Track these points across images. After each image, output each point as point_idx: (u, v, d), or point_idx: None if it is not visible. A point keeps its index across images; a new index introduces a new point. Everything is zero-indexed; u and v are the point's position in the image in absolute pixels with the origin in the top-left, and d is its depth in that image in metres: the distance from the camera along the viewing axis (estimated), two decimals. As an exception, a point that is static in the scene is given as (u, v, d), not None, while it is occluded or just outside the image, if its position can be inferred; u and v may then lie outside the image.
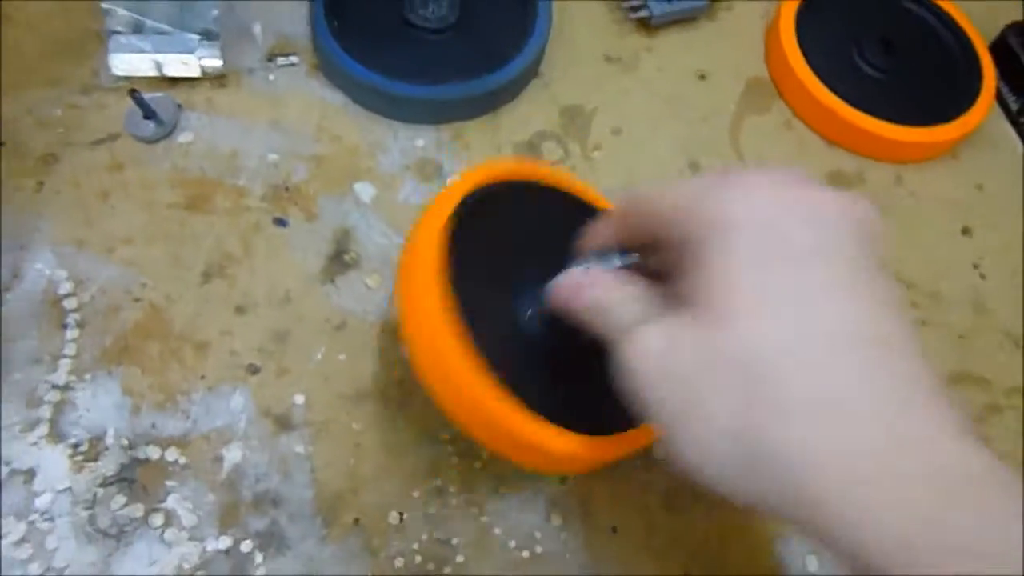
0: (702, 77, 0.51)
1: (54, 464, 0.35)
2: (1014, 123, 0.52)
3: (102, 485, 0.35)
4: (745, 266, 0.22)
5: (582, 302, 0.28)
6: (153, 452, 0.36)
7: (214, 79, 0.45)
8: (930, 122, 0.49)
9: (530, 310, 0.32)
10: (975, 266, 0.47)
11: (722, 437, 0.21)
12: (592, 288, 0.28)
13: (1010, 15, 0.55)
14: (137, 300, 0.39)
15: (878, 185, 0.49)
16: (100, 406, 0.36)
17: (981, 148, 0.51)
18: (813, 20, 0.51)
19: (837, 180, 0.49)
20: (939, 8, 0.53)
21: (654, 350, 0.24)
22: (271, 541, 0.35)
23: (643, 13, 0.51)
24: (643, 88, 0.50)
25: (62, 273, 0.39)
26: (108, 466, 0.35)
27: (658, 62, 0.51)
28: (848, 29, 0.52)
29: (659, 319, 0.24)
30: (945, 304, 0.46)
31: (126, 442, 0.36)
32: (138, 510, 0.35)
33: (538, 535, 0.36)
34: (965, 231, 0.48)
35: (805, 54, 0.50)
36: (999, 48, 0.53)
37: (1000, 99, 0.53)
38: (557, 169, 0.26)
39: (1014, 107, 0.52)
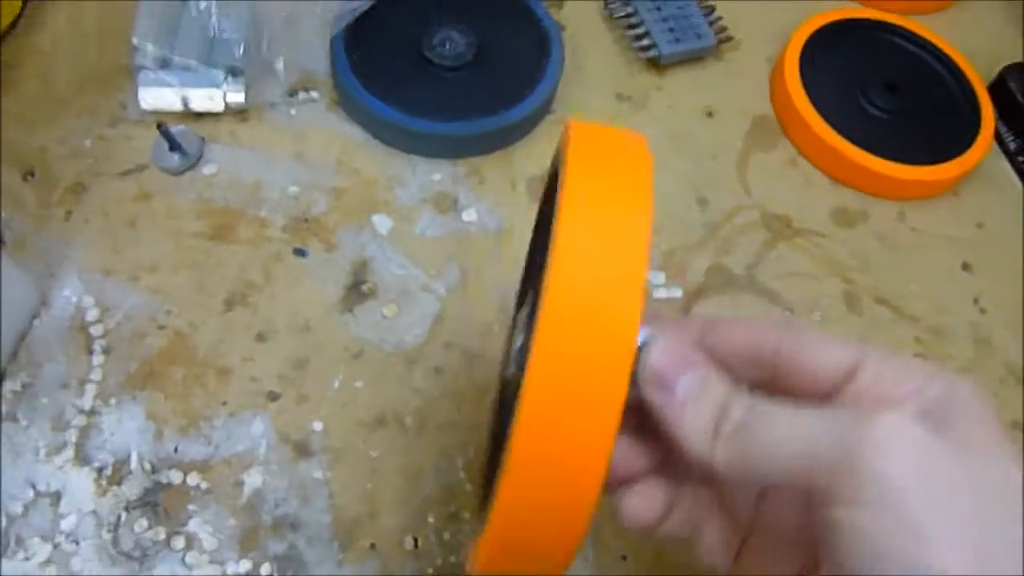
0: (710, 115, 0.53)
1: (79, 487, 0.36)
2: (1013, 162, 0.54)
3: (126, 508, 0.36)
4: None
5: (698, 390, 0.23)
6: (176, 476, 0.37)
7: (237, 113, 0.47)
8: (931, 160, 0.50)
9: None
10: (975, 301, 0.48)
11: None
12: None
13: (1008, 57, 0.56)
14: (162, 327, 0.40)
15: (881, 221, 0.50)
16: (125, 430, 0.37)
17: (981, 186, 0.53)
18: (817, 61, 0.53)
19: (842, 216, 0.50)
20: (940, 50, 0.55)
21: (919, 442, 0.20)
22: (289, 565, 0.36)
23: (653, 53, 0.52)
24: (653, 125, 0.52)
25: (89, 300, 0.40)
26: (132, 490, 0.36)
27: (667, 100, 0.53)
28: (852, 70, 0.53)
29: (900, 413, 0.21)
30: (947, 338, 0.47)
31: (149, 466, 0.37)
32: (160, 533, 0.35)
33: (550, 562, 0.37)
34: (966, 267, 0.50)
35: (809, 94, 0.51)
36: (997, 89, 0.55)
37: (999, 138, 0.54)
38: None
39: (1012, 146, 0.54)
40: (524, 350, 0.24)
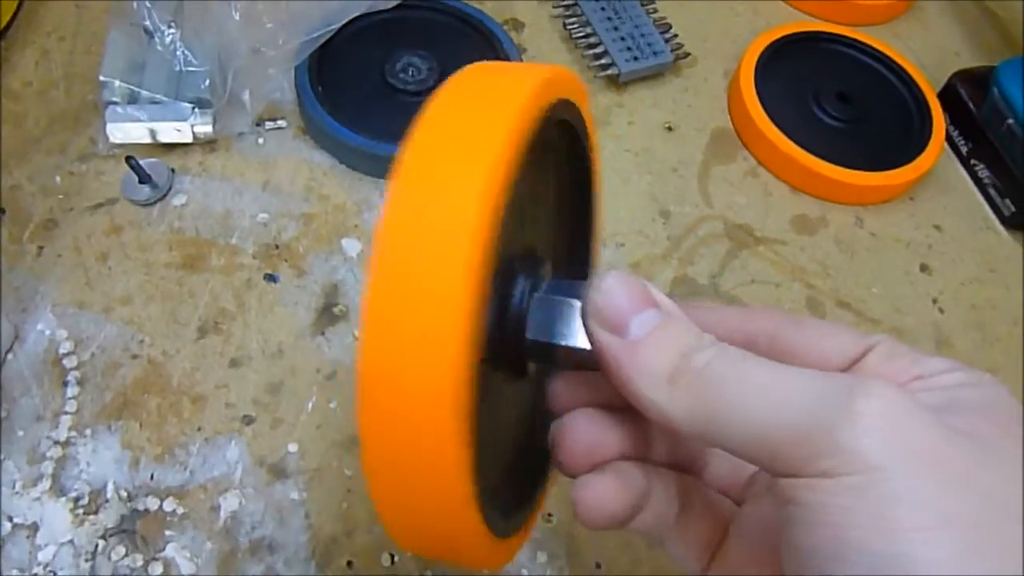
0: (670, 129, 0.54)
1: (56, 518, 0.36)
2: (965, 165, 0.55)
3: (103, 537, 0.36)
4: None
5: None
6: (152, 503, 0.37)
7: (206, 144, 0.48)
8: (886, 166, 0.52)
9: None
10: (934, 301, 0.50)
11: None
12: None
13: (956, 64, 0.58)
14: (135, 357, 0.41)
15: (840, 227, 0.52)
16: (100, 460, 0.38)
17: (936, 190, 0.54)
18: (772, 74, 0.54)
19: (802, 224, 0.51)
20: (890, 60, 0.57)
21: (913, 419, 0.17)
22: (268, 586, 0.36)
23: (612, 71, 0.54)
24: (615, 142, 0.53)
25: (63, 333, 0.41)
26: (108, 518, 0.37)
27: (628, 117, 0.54)
28: (806, 82, 0.55)
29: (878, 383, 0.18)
30: (908, 338, 0.48)
31: (126, 494, 0.37)
32: (138, 560, 0.36)
33: (525, 572, 0.38)
34: (924, 268, 0.51)
35: (765, 106, 0.53)
36: (947, 95, 0.56)
37: (951, 143, 0.56)
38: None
39: (964, 150, 0.55)
40: None
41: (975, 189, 0.55)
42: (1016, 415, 0.19)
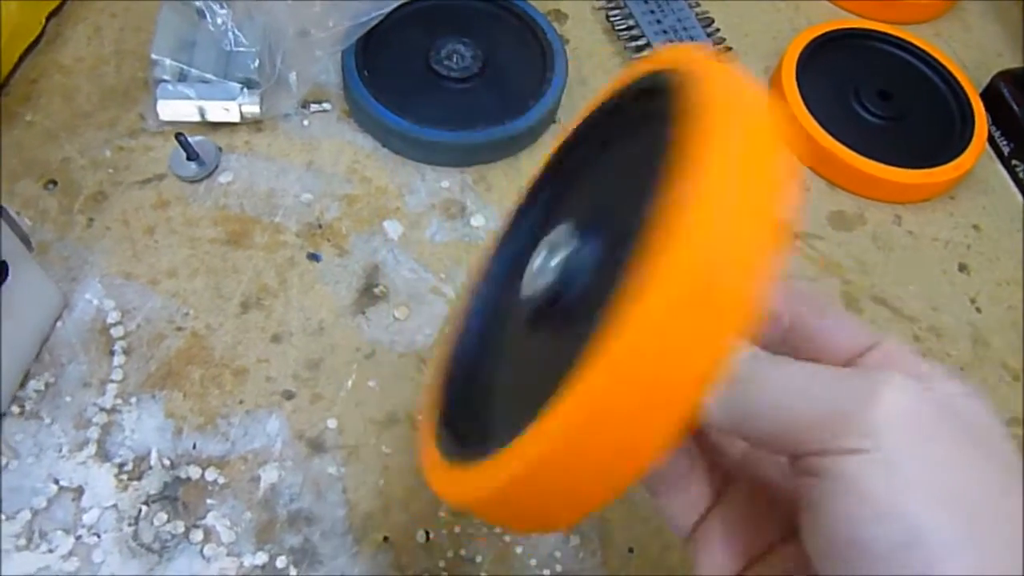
0: (709, 123, 0.54)
1: (101, 482, 0.37)
2: (1007, 165, 0.55)
3: (146, 503, 0.37)
4: None
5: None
6: (194, 472, 0.38)
7: (252, 124, 0.48)
8: (926, 165, 0.52)
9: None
10: (972, 301, 0.49)
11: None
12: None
13: (999, 64, 0.58)
14: (180, 329, 0.41)
15: (878, 224, 0.51)
16: (145, 428, 0.39)
17: (976, 190, 0.54)
18: (813, 70, 0.54)
19: (839, 220, 0.51)
20: (932, 58, 0.56)
21: (924, 409, 0.19)
22: (304, 557, 0.37)
23: (653, 63, 0.54)
24: (654, 133, 0.53)
25: (110, 303, 0.42)
26: (152, 485, 0.37)
27: (668, 109, 0.54)
28: (847, 78, 0.55)
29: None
30: (945, 338, 0.48)
31: (168, 462, 0.38)
32: (179, 526, 0.37)
33: (558, 554, 0.38)
34: (962, 268, 0.51)
35: (806, 101, 0.53)
36: (990, 95, 0.56)
37: (993, 143, 0.56)
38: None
39: (1006, 151, 0.55)
40: (580, 269, 0.22)
41: (1016, 190, 0.55)
42: (993, 434, 0.21)
